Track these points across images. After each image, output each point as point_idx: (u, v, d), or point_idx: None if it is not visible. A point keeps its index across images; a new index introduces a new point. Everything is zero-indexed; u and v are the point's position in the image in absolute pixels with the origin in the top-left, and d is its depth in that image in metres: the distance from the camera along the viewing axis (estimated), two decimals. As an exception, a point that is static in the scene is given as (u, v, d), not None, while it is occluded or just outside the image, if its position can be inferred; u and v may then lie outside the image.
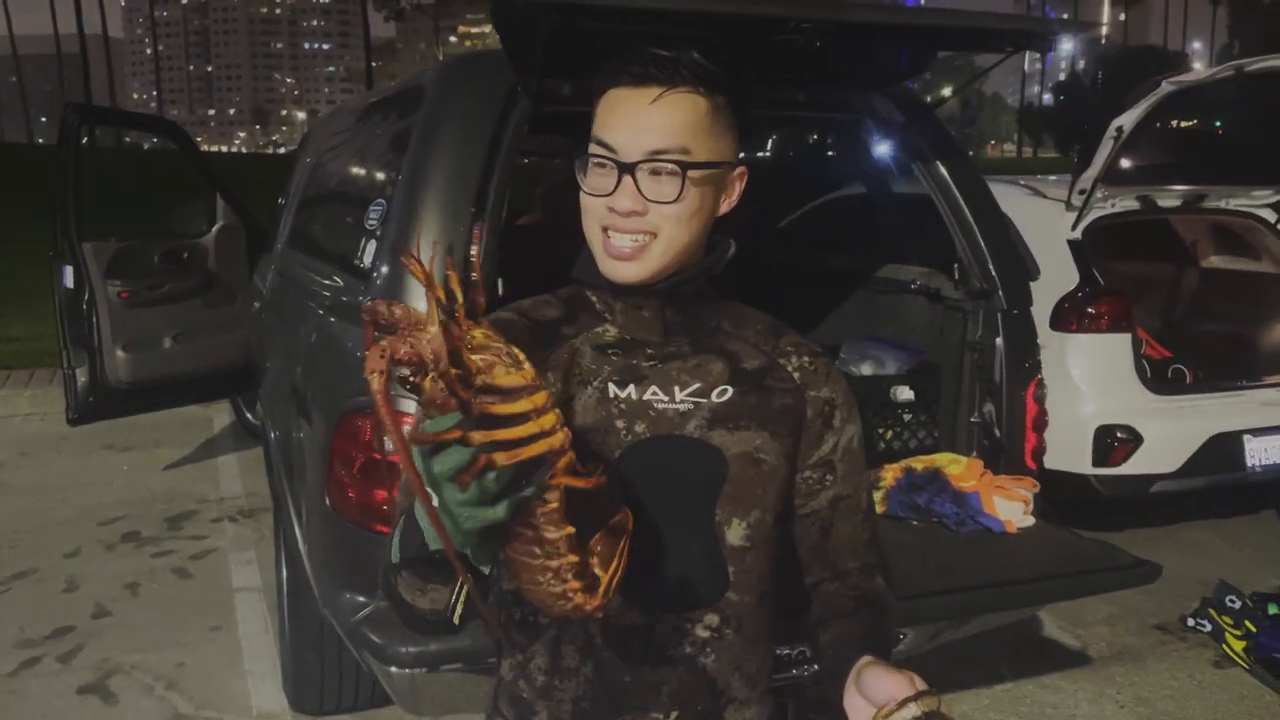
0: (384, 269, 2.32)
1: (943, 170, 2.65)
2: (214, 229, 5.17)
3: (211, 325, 5.03)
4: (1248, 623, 3.46)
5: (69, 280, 4.62)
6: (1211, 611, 3.61)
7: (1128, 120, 3.87)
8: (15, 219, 12.17)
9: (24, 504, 4.91)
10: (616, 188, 1.07)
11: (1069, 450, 4.13)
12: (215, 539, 4.50)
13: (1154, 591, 3.83)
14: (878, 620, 1.15)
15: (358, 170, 3.16)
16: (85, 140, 5.33)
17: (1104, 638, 3.65)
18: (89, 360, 4.67)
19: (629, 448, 1.11)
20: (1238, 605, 3.54)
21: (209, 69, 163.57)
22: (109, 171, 16.16)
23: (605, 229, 1.10)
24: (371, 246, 2.44)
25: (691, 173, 1.07)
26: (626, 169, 1.07)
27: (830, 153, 4.60)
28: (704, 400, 1.14)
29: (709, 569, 1.13)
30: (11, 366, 7.57)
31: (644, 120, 1.07)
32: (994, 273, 2.63)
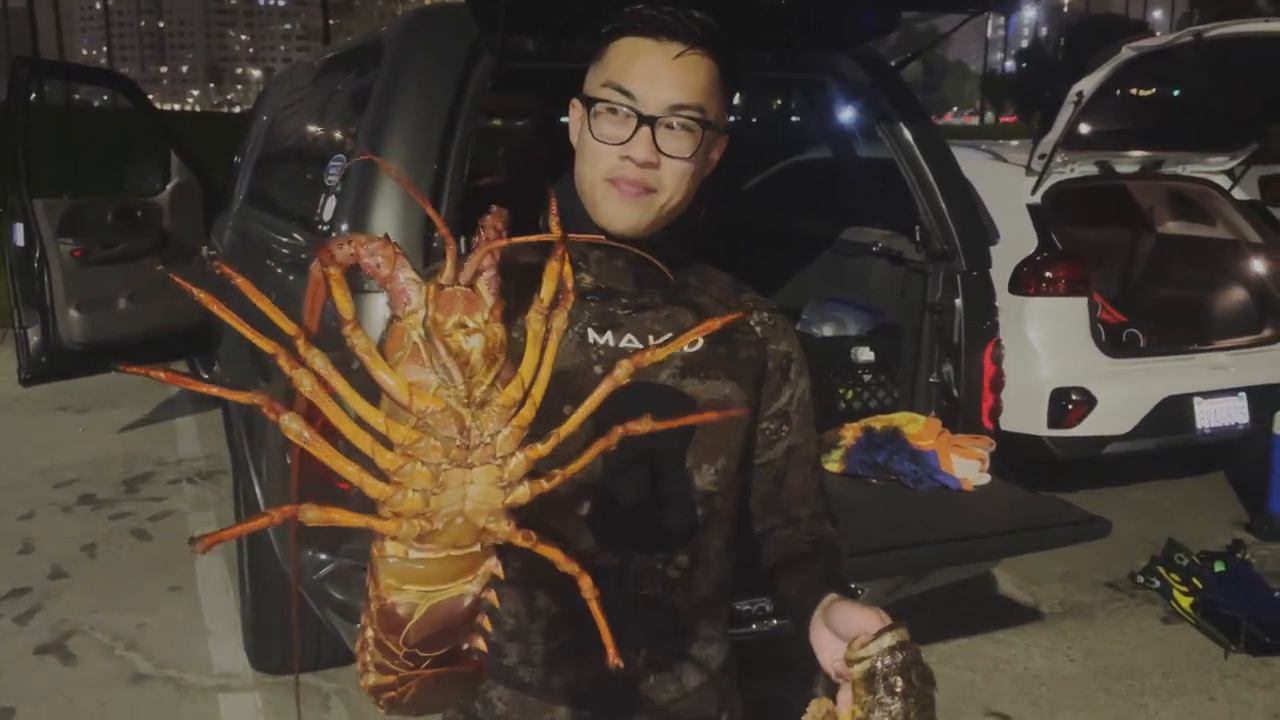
0: (343, 226, 2.29)
1: (905, 132, 2.67)
2: (169, 187, 5.07)
3: (166, 285, 4.95)
4: (1195, 579, 3.55)
5: (19, 238, 4.51)
6: (1160, 569, 3.70)
7: (1088, 85, 3.91)
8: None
9: (-24, 466, 4.84)
10: (632, 137, 1.07)
11: (1024, 412, 4.19)
12: (174, 500, 4.46)
13: (1105, 551, 3.93)
14: (835, 563, 1.18)
15: (316, 127, 3.11)
16: (34, 96, 5.20)
17: (1056, 595, 3.73)
18: (41, 320, 4.58)
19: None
20: (1185, 563, 3.63)
21: (161, 25, 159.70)
22: (58, 129, 15.80)
23: (609, 180, 1.09)
24: (331, 203, 2.42)
25: (706, 133, 1.08)
26: (647, 120, 1.06)
27: (796, 115, 4.60)
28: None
29: (680, 512, 1.16)
30: (-40, 327, 7.42)
31: (667, 74, 1.07)
32: (955, 235, 2.66)
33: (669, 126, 1.07)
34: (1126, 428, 4.20)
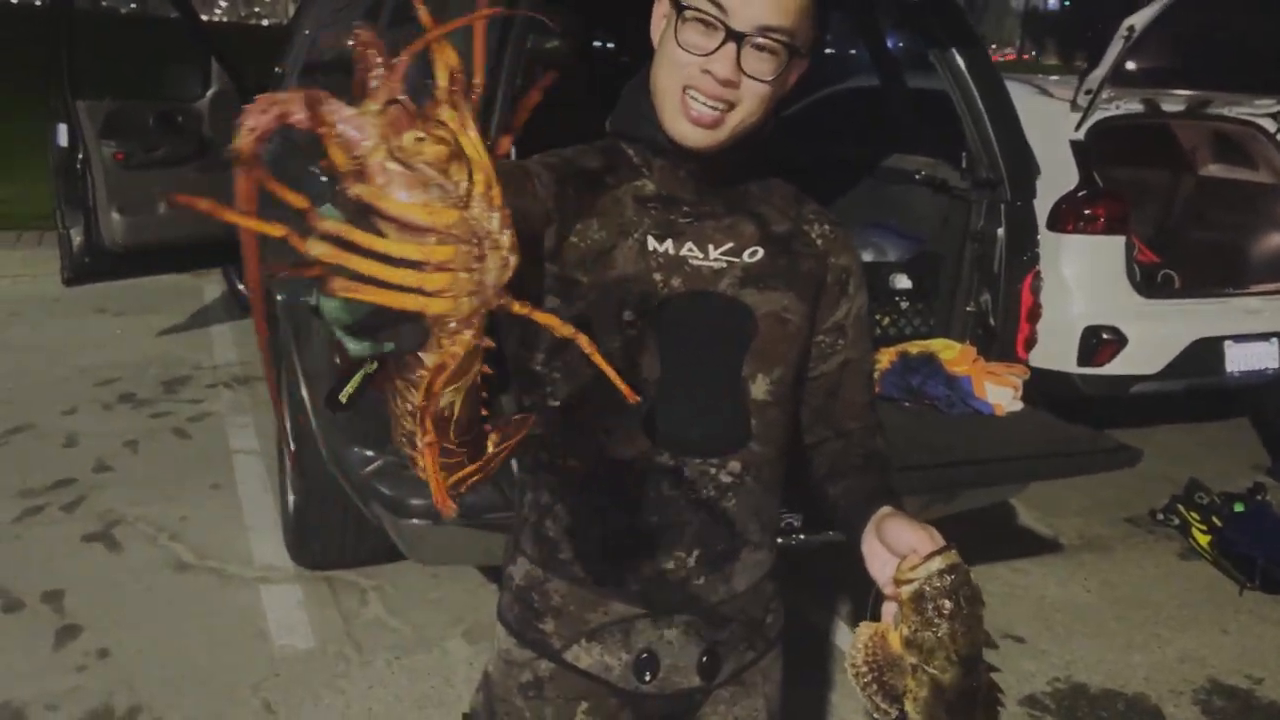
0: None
1: (958, 58, 2.65)
2: (209, 94, 5.08)
3: (206, 192, 4.91)
4: (1214, 518, 3.60)
5: (63, 139, 4.56)
6: (1180, 507, 3.75)
7: (1140, 19, 3.85)
8: (3, 77, 11.81)
9: (19, 362, 4.94)
10: (717, 50, 1.05)
11: (1055, 348, 4.19)
12: (211, 403, 4.56)
13: (1126, 486, 3.98)
14: (887, 475, 1.21)
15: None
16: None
17: (1076, 528, 3.79)
18: (84, 221, 4.65)
19: (664, 300, 1.14)
20: (1205, 502, 3.67)
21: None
22: (88, 34, 15.74)
23: (686, 88, 1.07)
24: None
25: (793, 58, 1.07)
26: (736, 36, 1.04)
27: (845, 40, 4.55)
28: (736, 260, 1.16)
29: (735, 419, 1.17)
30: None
31: None
32: (1001, 164, 2.66)
33: (756, 46, 1.05)
34: (1156, 368, 4.20)
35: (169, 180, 4.86)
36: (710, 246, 1.16)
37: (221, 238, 4.93)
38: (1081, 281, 4.19)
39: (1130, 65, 4.16)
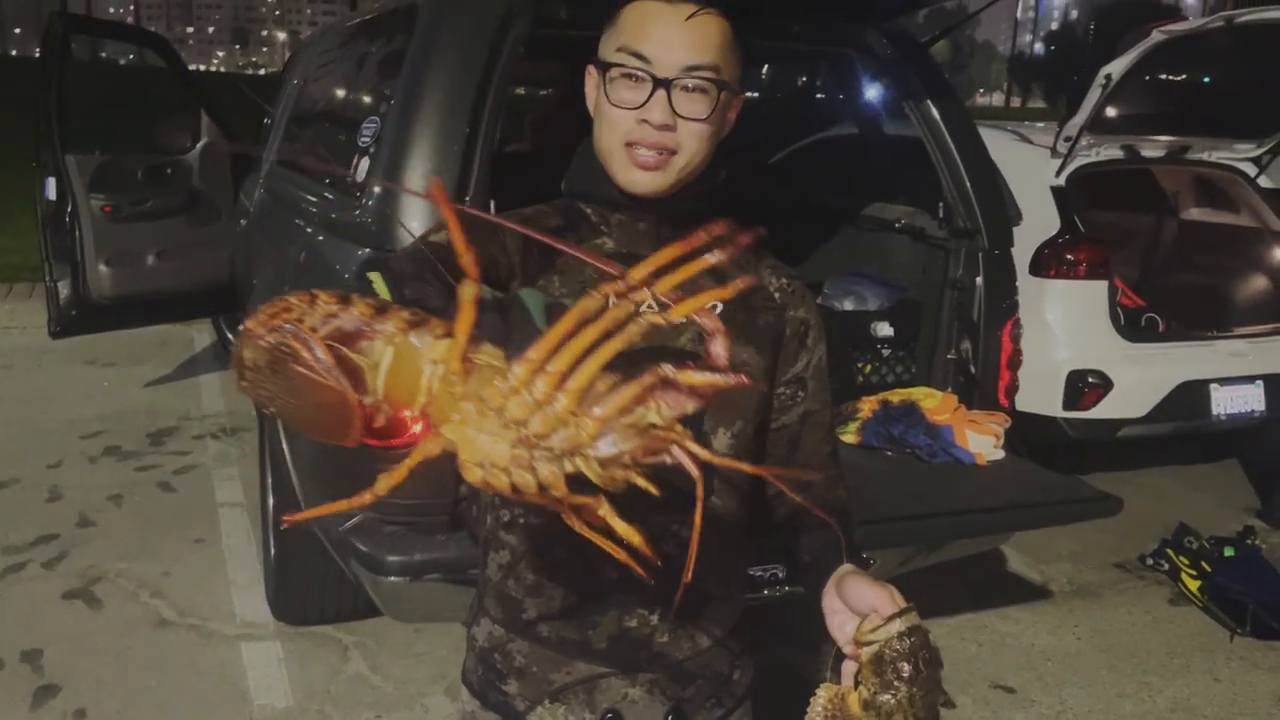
0: (376, 187, 2.34)
1: (933, 109, 2.68)
2: (198, 146, 5.12)
3: (195, 243, 5.01)
4: (1203, 563, 3.58)
5: (51, 192, 4.57)
6: (1169, 552, 3.73)
7: (1116, 68, 3.90)
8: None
9: (5, 414, 4.93)
10: (648, 100, 1.08)
11: (1041, 393, 4.21)
12: (198, 455, 4.54)
13: (1116, 532, 3.97)
14: (848, 529, 1.21)
15: (350, 90, 3.15)
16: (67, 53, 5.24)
17: (1066, 574, 3.77)
18: (71, 274, 4.65)
19: (625, 358, 1.15)
20: (1194, 546, 3.66)
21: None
22: (85, 85, 15.89)
23: (629, 144, 1.10)
24: (364, 164, 2.46)
25: (722, 93, 1.09)
26: (663, 83, 1.07)
27: (824, 91, 4.60)
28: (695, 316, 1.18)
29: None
30: (-10, 280, 7.53)
31: (680, 35, 1.07)
32: (978, 213, 2.68)
33: (684, 88, 1.07)
34: (1142, 411, 4.21)
35: (158, 232, 4.88)
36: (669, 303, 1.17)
37: (209, 286, 4.97)
38: (1065, 326, 4.21)
39: (1110, 112, 4.21)
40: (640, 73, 1.07)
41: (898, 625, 0.92)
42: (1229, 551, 3.63)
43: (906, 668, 0.91)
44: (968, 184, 2.67)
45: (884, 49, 2.69)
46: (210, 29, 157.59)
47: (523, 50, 2.39)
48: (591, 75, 1.15)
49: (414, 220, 2.27)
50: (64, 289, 4.66)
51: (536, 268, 1.16)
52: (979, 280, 2.66)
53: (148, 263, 4.86)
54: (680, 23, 1.07)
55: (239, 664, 2.95)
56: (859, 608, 0.99)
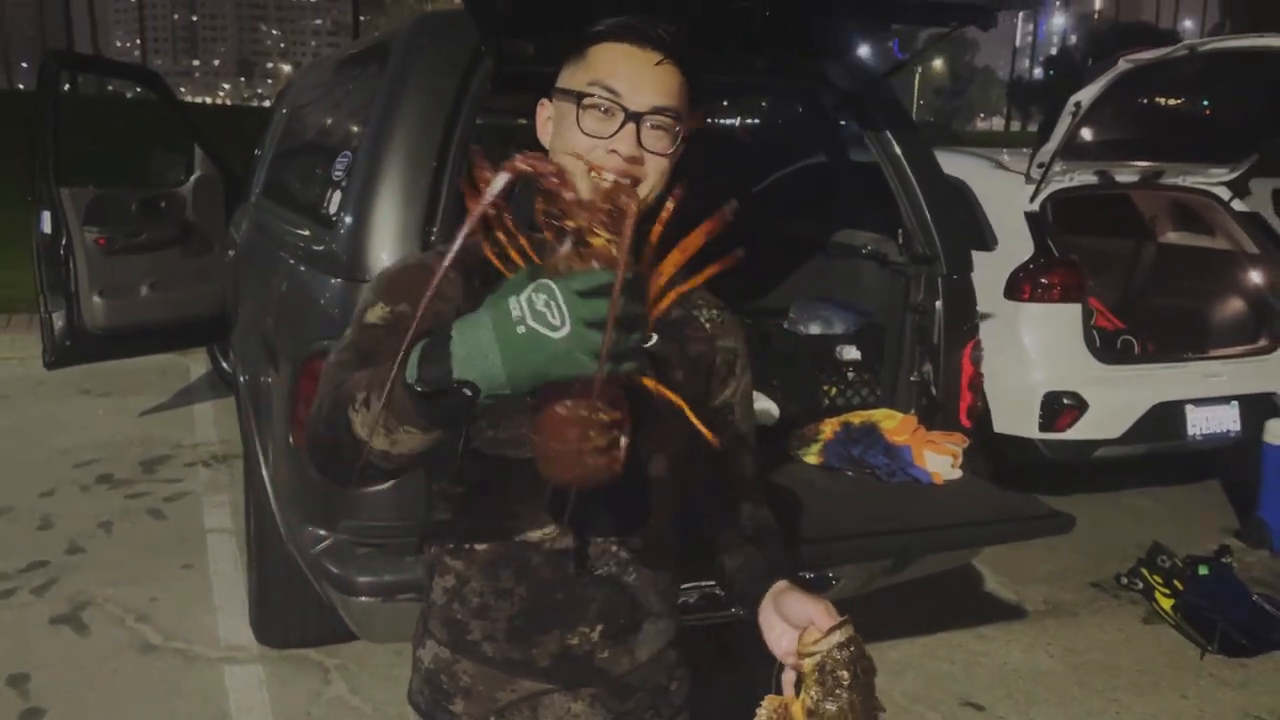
0: (348, 219, 2.42)
1: (890, 138, 2.76)
2: (192, 179, 5.22)
3: (188, 274, 5.11)
4: (1176, 582, 3.62)
5: (46, 226, 4.67)
6: (1144, 571, 3.77)
7: (1085, 96, 3.99)
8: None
9: (0, 445, 5.00)
10: (618, 132, 1.14)
11: (1017, 415, 4.28)
12: (189, 482, 4.61)
13: (1093, 552, 4.02)
14: (778, 548, 1.27)
15: (328, 123, 3.24)
16: (68, 88, 5.36)
17: (1041, 594, 3.81)
18: (66, 305, 4.74)
19: None
20: (1167, 565, 3.70)
21: (194, 18, 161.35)
22: (93, 119, 16.10)
23: (592, 169, 1.14)
24: (337, 197, 2.54)
25: (682, 132, 1.17)
26: (634, 117, 1.13)
27: (796, 122, 4.70)
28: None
29: (635, 497, 1.24)
30: (-11, 311, 7.62)
31: (650, 77, 1.14)
32: (936, 239, 2.75)
33: (651, 125, 1.14)
34: (1117, 433, 4.27)
35: (151, 264, 4.97)
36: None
37: (202, 317, 5.05)
38: (1040, 349, 4.28)
39: (1085, 137, 4.30)
40: (613, 105, 1.14)
41: (838, 636, 1.00)
42: (1204, 570, 3.66)
43: (847, 675, 0.98)
44: (926, 211, 2.74)
45: (844, 80, 2.78)
46: (216, 61, 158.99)
47: (490, 86, 2.47)
48: (545, 107, 1.21)
49: (384, 250, 2.35)
50: (59, 320, 4.75)
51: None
52: (938, 304, 2.73)
53: (141, 294, 4.95)
54: (650, 66, 1.15)
55: (221, 687, 3.00)
56: (797, 621, 1.05)
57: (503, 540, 1.21)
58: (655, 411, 1.23)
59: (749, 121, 5.05)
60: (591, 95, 1.14)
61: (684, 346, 1.28)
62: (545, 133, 1.22)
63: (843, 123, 2.96)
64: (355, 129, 2.70)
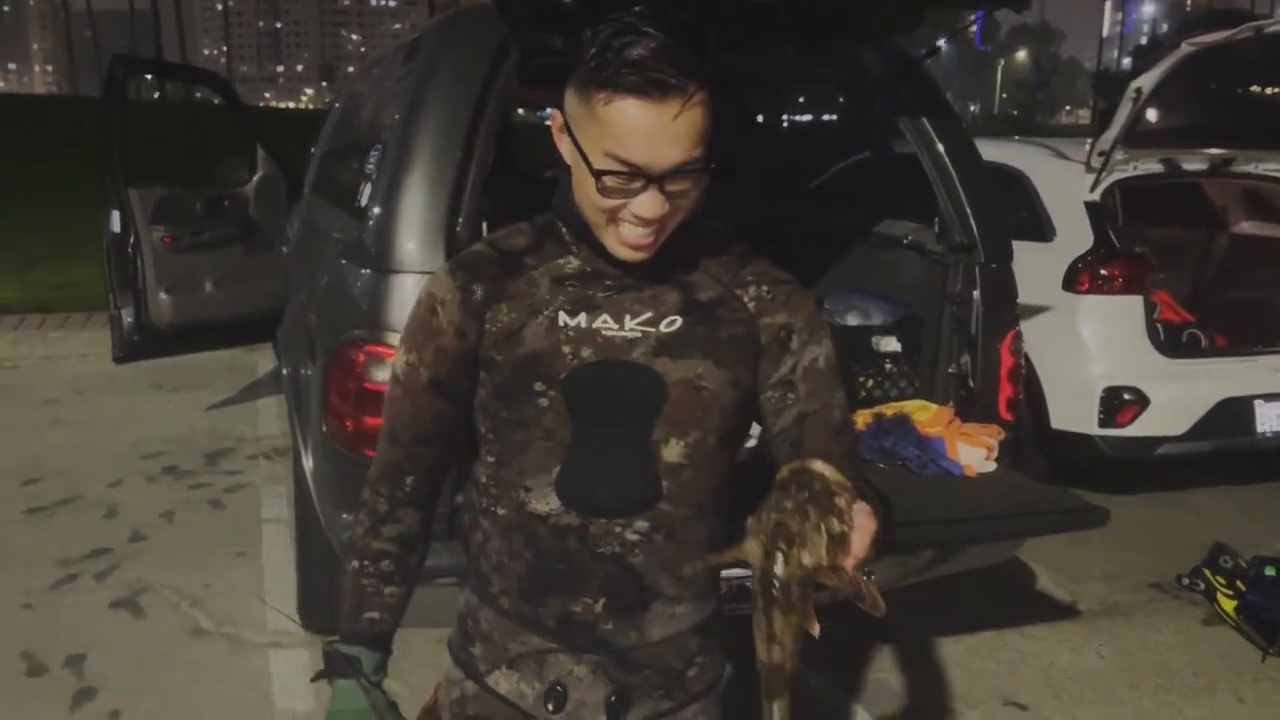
0: (376, 210, 2.45)
1: (927, 126, 2.71)
2: (255, 179, 5.36)
3: (250, 271, 5.24)
4: (1239, 582, 3.48)
5: (115, 225, 4.84)
6: (1206, 571, 3.64)
7: (1147, 81, 3.86)
8: (85, 169, 12.51)
9: (75, 437, 5.20)
10: (639, 194, 1.10)
11: (1076, 411, 4.17)
12: (249, 474, 4.73)
13: (1155, 552, 3.90)
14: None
15: (367, 118, 3.29)
16: (156, 95, 5.53)
17: (1096, 594, 3.70)
18: (134, 302, 4.91)
19: (574, 370, 1.21)
20: (1230, 566, 3.56)
21: (278, 25, 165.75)
22: (177, 121, 16.62)
23: (615, 219, 1.13)
24: (368, 189, 2.58)
25: (710, 165, 1.12)
26: (655, 182, 1.09)
27: (835, 112, 4.63)
28: (652, 329, 1.22)
29: (641, 481, 1.23)
30: (70, 310, 7.90)
31: (669, 139, 1.07)
32: (974, 228, 2.69)
33: (676, 178, 1.09)
34: (1181, 429, 4.13)
35: (215, 261, 5.12)
36: (627, 317, 1.22)
37: (264, 313, 5.18)
38: (1100, 342, 4.16)
39: (1148, 125, 4.16)
40: (633, 174, 1.08)
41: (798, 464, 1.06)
42: (1270, 571, 3.52)
43: (797, 489, 1.03)
44: (963, 199, 2.69)
45: (878, 67, 2.73)
46: (299, 67, 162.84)
47: (517, 78, 2.49)
48: (558, 119, 1.16)
49: (410, 241, 2.38)
50: (127, 316, 4.92)
51: (484, 303, 1.23)
52: (976, 294, 2.67)
53: (205, 291, 5.10)
54: (668, 124, 1.06)
55: (266, 671, 3.08)
56: None
57: (517, 508, 1.26)
58: (669, 397, 1.23)
59: (793, 117, 4.98)
60: (610, 172, 1.09)
61: (715, 330, 1.24)
62: (562, 143, 1.17)
63: (877, 111, 2.90)
64: (388, 122, 2.74)
